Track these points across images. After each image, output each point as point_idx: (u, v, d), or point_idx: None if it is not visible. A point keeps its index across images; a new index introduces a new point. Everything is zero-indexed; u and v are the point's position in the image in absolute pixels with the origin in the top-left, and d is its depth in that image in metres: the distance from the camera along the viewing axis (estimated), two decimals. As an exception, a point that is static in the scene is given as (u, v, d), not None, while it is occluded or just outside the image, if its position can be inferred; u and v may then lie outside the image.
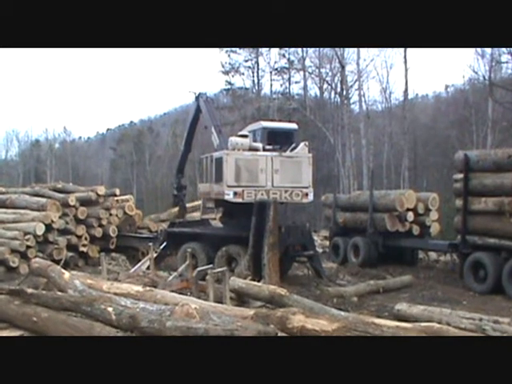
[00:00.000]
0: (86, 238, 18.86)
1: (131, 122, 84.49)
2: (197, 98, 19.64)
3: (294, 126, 17.47)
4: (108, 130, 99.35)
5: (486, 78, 36.66)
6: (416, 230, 19.09)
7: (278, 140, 15.98)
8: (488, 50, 36.56)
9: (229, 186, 15.12)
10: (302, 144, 15.72)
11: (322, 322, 6.19)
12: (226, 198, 15.22)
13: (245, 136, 15.90)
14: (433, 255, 21.07)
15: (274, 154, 15.38)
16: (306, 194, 15.41)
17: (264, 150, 15.81)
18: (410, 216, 18.84)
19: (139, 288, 9.09)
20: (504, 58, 35.54)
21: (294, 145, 16.07)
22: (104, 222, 19.43)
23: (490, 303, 13.12)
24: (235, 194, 15.11)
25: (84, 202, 19.10)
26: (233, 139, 15.88)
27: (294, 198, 15.39)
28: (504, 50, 33.51)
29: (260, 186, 15.20)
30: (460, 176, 15.50)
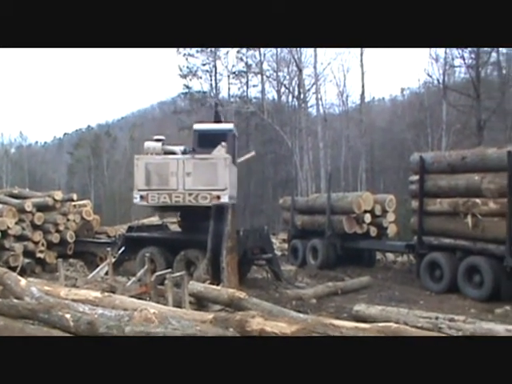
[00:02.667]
0: (43, 244, 18.52)
1: (88, 126, 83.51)
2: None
3: (227, 126, 17.30)
4: (65, 134, 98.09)
5: (440, 81, 37.29)
6: (373, 231, 19.31)
7: (211, 142, 15.73)
8: (442, 55, 37.25)
9: (139, 190, 15.39)
10: (218, 146, 15.60)
11: (281, 325, 6.17)
12: (135, 201, 15.64)
13: (159, 140, 15.88)
14: (390, 256, 21.34)
15: (187, 156, 15.32)
16: (218, 197, 14.99)
17: (185, 152, 15.77)
18: (368, 218, 19.04)
19: (97, 294, 8.97)
20: (457, 62, 36.23)
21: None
22: (61, 228, 19.11)
23: (446, 302, 13.32)
24: (141, 197, 15.38)
25: (41, 208, 18.75)
26: (146, 144, 16.02)
27: (201, 201, 15.11)
28: (457, 54, 34.15)
29: (171, 190, 15.19)
30: (416, 178, 15.72)
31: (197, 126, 17.17)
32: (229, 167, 15.19)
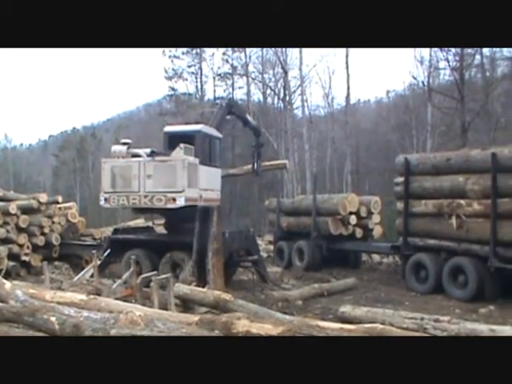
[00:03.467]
0: (27, 247, 18.39)
1: (74, 128, 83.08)
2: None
3: (196, 127, 17.00)
4: (50, 136, 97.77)
5: (425, 83, 37.53)
6: (359, 233, 19.37)
7: (179, 144, 15.63)
8: (426, 57, 37.50)
9: (105, 192, 15.57)
10: (177, 147, 15.48)
11: (266, 326, 6.19)
12: (100, 203, 15.82)
13: (125, 144, 15.88)
14: (376, 257, 21.43)
15: (147, 159, 15.30)
16: (174, 199, 14.87)
17: (150, 155, 15.77)
18: (353, 219, 19.09)
19: (83, 296, 8.94)
20: (442, 64, 36.44)
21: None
22: (46, 230, 18.99)
23: (431, 303, 13.38)
24: (105, 199, 15.57)
25: (26, 210, 18.61)
26: (113, 147, 16.12)
27: (156, 203, 15.04)
28: (441, 56, 34.37)
29: (133, 192, 15.21)
30: (401, 179, 15.79)
31: (167, 129, 17.17)
32: (188, 169, 14.97)
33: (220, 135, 17.54)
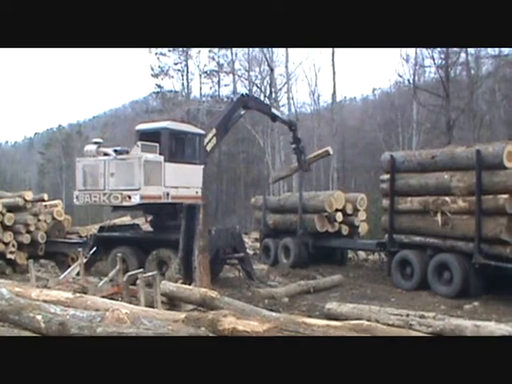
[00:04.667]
0: (13, 245, 18.28)
1: (60, 125, 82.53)
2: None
3: (161, 124, 16.92)
4: (36, 134, 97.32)
5: (411, 81, 37.68)
6: (345, 230, 19.42)
7: (150, 141, 15.62)
8: (412, 55, 37.62)
9: (79, 190, 15.81)
10: (134, 145, 15.49)
11: (253, 323, 6.19)
12: (74, 201, 16.13)
13: (96, 143, 15.94)
14: (362, 254, 21.51)
15: (110, 158, 15.33)
16: (129, 197, 14.90)
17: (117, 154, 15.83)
18: (339, 216, 19.15)
19: (69, 295, 8.90)
20: (427, 62, 36.62)
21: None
22: (32, 228, 18.89)
23: (417, 299, 13.46)
24: (77, 197, 15.90)
25: (11, 208, 18.50)
26: (85, 147, 16.24)
27: (113, 200, 15.14)
28: (427, 54, 34.52)
29: (100, 190, 15.34)
30: (387, 176, 15.84)
31: (138, 127, 17.08)
32: (144, 166, 14.94)
33: (200, 131, 17.40)
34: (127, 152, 15.50)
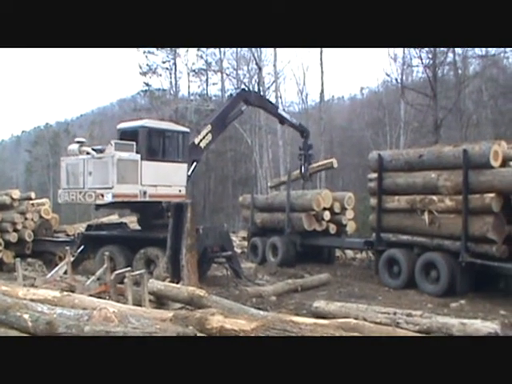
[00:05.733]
0: (0, 244, 18.24)
1: (47, 123, 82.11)
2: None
3: (139, 123, 16.82)
4: (23, 132, 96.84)
5: (398, 80, 37.78)
6: (333, 228, 19.47)
7: (129, 140, 15.63)
8: (400, 54, 37.73)
9: (63, 189, 15.93)
10: (109, 144, 15.48)
11: (240, 322, 6.20)
12: (58, 199, 16.33)
13: (79, 142, 15.95)
14: (349, 253, 21.56)
15: (88, 157, 15.37)
16: (102, 195, 14.94)
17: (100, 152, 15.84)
18: (327, 215, 19.19)
19: (56, 293, 8.88)
20: (415, 61, 36.70)
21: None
22: (19, 227, 18.82)
23: (404, 297, 13.52)
24: (59, 196, 16.12)
25: (-2, 207, 18.50)
26: (69, 146, 16.36)
27: (87, 199, 15.20)
28: (414, 54, 34.59)
29: (80, 188, 15.40)
30: (374, 175, 15.89)
31: (119, 125, 17.10)
32: (118, 165, 14.93)
33: (183, 129, 17.40)
34: (102, 151, 15.49)
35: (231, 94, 19.87)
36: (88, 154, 15.39)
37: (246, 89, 20.32)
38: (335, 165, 22.58)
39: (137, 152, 15.43)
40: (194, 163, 17.25)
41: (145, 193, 15.50)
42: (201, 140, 17.28)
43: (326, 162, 23.01)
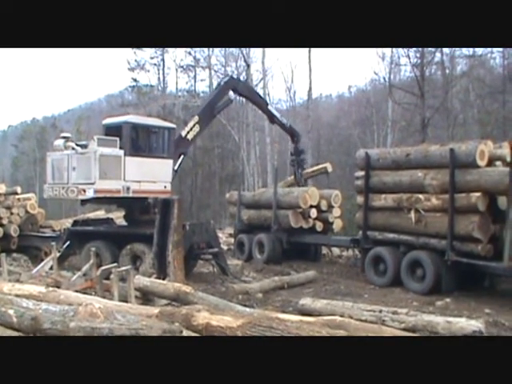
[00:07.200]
0: (-15, 238, 18.17)
1: (34, 118, 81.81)
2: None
3: (123, 118, 16.86)
4: (9, 126, 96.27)
5: (386, 79, 37.93)
6: (319, 226, 19.51)
7: (114, 136, 15.66)
8: (388, 53, 37.86)
9: (48, 184, 15.98)
10: (91, 140, 15.53)
11: (226, 319, 6.21)
12: (43, 194, 16.36)
13: (64, 137, 15.91)
14: (336, 251, 21.60)
15: (72, 152, 15.35)
16: (84, 191, 14.97)
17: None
18: (314, 213, 19.22)
19: (42, 289, 8.86)
20: (403, 60, 36.86)
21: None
22: (5, 222, 18.75)
23: (390, 295, 13.57)
24: (44, 190, 16.20)
25: (-17, 201, 18.40)
26: (55, 141, 16.34)
27: (70, 194, 15.25)
28: (402, 53, 34.72)
29: (64, 183, 15.44)
30: (361, 173, 15.93)
31: (104, 121, 17.09)
32: (100, 160, 14.94)
33: (169, 125, 17.38)
34: (87, 146, 15.44)
35: (219, 83, 19.67)
36: (73, 149, 15.34)
37: (235, 77, 20.10)
38: (330, 169, 22.62)
39: (120, 148, 15.40)
40: (182, 156, 17.20)
41: (128, 188, 15.46)
42: (188, 132, 17.26)
43: (320, 166, 23.08)
